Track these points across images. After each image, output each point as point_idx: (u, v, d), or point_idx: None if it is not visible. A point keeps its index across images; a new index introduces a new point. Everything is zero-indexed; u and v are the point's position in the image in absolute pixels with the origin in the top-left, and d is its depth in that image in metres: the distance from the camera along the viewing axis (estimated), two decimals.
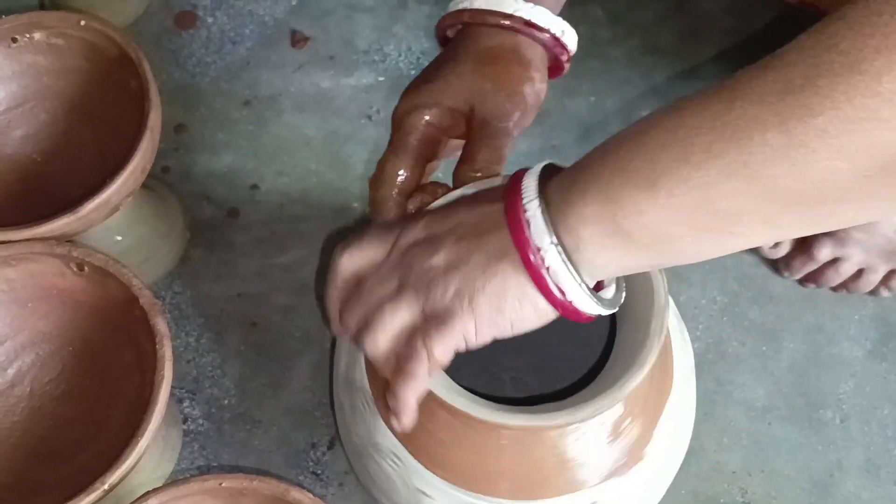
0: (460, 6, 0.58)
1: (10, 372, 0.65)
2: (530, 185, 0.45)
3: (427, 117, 0.56)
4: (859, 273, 0.76)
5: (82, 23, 0.68)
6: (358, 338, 0.49)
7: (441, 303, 0.45)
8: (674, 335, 0.58)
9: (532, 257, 0.43)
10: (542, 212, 0.43)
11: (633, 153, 0.42)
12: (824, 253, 0.75)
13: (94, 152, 0.71)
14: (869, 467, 0.73)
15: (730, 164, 0.38)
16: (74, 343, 0.66)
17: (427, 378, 0.47)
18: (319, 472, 0.72)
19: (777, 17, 0.90)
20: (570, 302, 0.44)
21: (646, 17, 0.91)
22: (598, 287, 0.47)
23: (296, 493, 0.54)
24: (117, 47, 0.68)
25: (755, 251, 0.79)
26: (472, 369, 0.55)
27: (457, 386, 0.50)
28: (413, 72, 0.87)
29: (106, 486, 0.56)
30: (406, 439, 0.55)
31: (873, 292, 0.77)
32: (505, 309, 0.45)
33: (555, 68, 0.60)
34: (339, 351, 0.62)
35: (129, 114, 0.67)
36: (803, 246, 0.76)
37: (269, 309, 0.78)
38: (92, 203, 0.62)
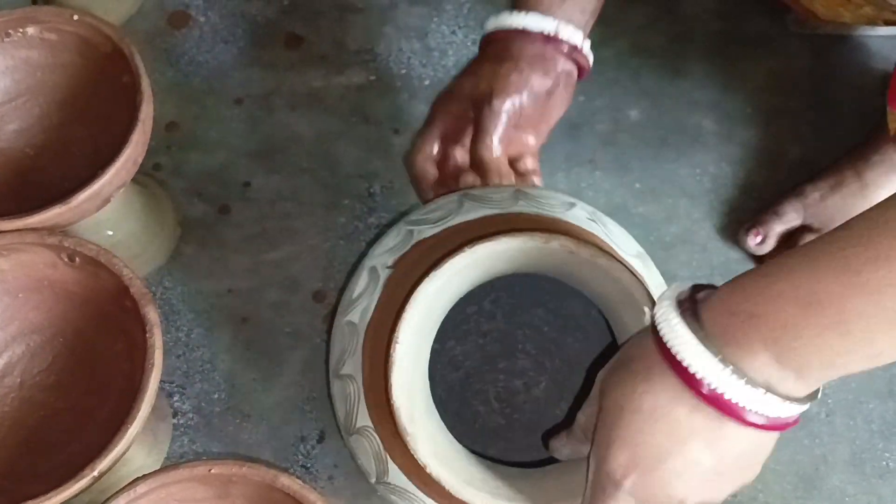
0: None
1: (1, 363, 0.65)
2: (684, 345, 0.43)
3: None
4: None
5: (75, 17, 0.68)
6: None
7: None
8: None
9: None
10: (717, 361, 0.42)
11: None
12: None
13: (87, 147, 0.71)
14: (855, 461, 0.73)
15: None
16: (65, 334, 0.66)
17: None
18: (309, 465, 0.72)
19: (764, 21, 0.91)
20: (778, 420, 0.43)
21: (635, 20, 0.92)
22: None
23: (285, 480, 0.54)
24: (110, 42, 0.68)
25: (741, 247, 0.80)
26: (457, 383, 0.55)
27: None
28: (403, 71, 0.88)
29: (95, 473, 0.56)
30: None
31: None
32: (744, 469, 0.45)
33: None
34: (333, 342, 0.62)
35: (121, 109, 0.67)
36: (787, 242, 0.77)
37: (260, 305, 0.78)
38: (84, 193, 0.62)
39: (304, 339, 0.77)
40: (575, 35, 0.65)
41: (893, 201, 0.40)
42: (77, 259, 0.63)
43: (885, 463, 0.74)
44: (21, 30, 0.70)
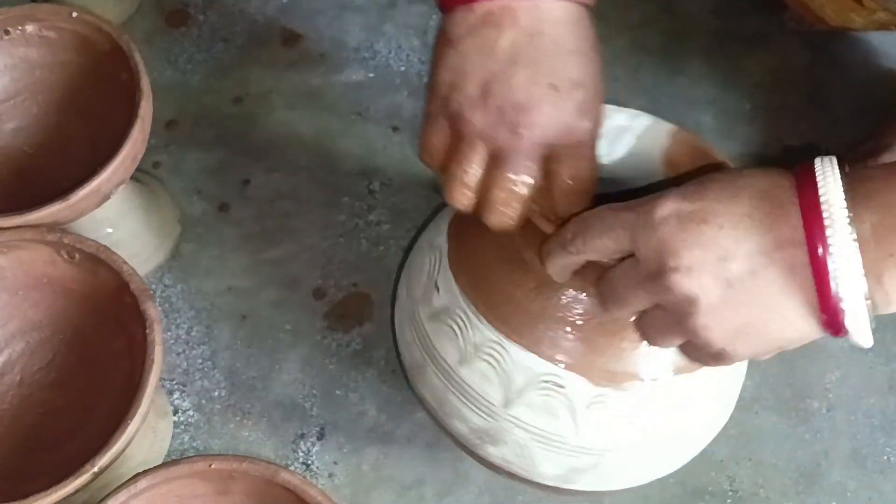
0: None
1: (0, 360, 0.65)
2: (836, 197, 0.40)
3: None
4: None
5: (74, 15, 0.68)
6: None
7: (710, 349, 0.45)
8: None
9: (823, 257, 0.40)
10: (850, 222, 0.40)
11: None
12: None
13: (86, 145, 0.71)
14: (856, 457, 0.73)
15: None
16: (65, 331, 0.66)
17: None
18: (309, 462, 0.72)
19: (762, 18, 0.91)
20: (844, 319, 0.40)
21: (633, 18, 0.92)
22: None
23: (285, 475, 0.54)
24: (109, 40, 0.68)
25: None
26: None
27: None
28: (403, 69, 0.88)
29: (95, 469, 0.56)
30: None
31: None
32: (781, 344, 0.43)
33: None
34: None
35: (120, 106, 0.67)
36: None
37: (259, 303, 0.78)
38: (83, 190, 0.62)
39: (303, 336, 0.77)
40: None
41: None
42: (76, 256, 0.63)
43: (885, 458, 0.73)
44: (20, 28, 0.70)
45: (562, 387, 0.54)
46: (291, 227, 0.81)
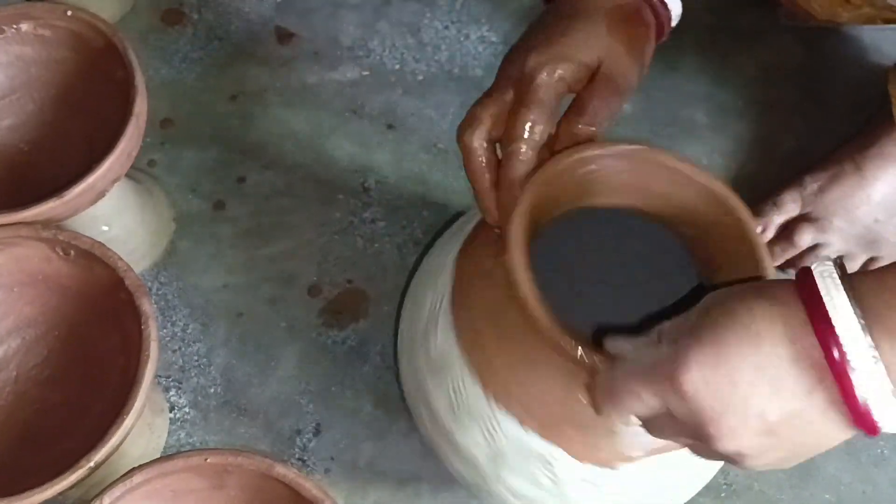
0: None
1: None
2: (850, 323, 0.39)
3: (561, 72, 0.53)
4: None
5: (69, 13, 0.68)
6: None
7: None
8: None
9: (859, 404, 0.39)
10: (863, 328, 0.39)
11: None
12: (805, 239, 0.77)
13: (81, 142, 0.72)
14: (850, 450, 0.73)
15: None
16: (60, 328, 0.66)
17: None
18: (305, 458, 0.72)
19: (755, 14, 0.92)
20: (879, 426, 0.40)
21: None
22: None
23: (280, 469, 0.54)
24: (103, 38, 0.68)
25: None
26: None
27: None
28: (397, 67, 0.89)
29: (92, 464, 0.56)
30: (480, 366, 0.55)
31: None
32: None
33: (657, 33, 0.59)
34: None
35: (115, 104, 0.67)
36: (785, 232, 0.77)
37: (255, 299, 0.78)
38: (78, 187, 0.62)
39: (299, 333, 0.77)
40: (677, 7, 0.59)
41: None
42: (72, 252, 0.63)
43: (879, 451, 0.74)
44: (15, 26, 0.70)
45: (550, 464, 0.54)
46: (287, 225, 0.81)
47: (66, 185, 0.63)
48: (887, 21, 0.67)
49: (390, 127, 0.86)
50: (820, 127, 0.86)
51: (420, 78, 0.88)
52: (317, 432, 0.73)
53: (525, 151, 0.52)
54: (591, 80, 0.54)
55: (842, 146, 0.79)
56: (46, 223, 0.63)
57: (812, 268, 0.41)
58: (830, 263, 0.41)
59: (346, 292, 0.79)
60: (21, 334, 0.66)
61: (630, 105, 0.87)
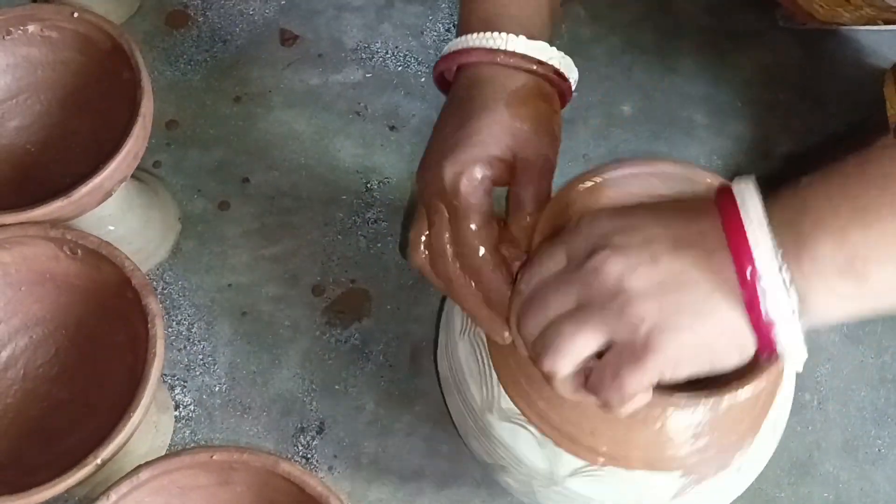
0: (472, 45, 0.56)
1: (4, 355, 0.66)
2: (754, 207, 0.42)
3: (479, 174, 0.52)
4: None
5: (75, 15, 0.69)
6: (533, 353, 0.47)
7: (636, 336, 0.43)
8: None
9: (753, 284, 0.40)
10: (772, 240, 0.41)
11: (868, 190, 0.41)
12: None
13: (88, 143, 0.72)
14: (847, 448, 0.74)
15: None
16: (67, 326, 0.67)
17: (623, 407, 0.45)
18: (309, 456, 0.73)
19: (753, 15, 0.92)
20: (778, 340, 0.41)
21: (626, 16, 0.93)
22: None
23: (285, 465, 0.55)
24: (110, 39, 0.69)
25: None
26: None
27: None
28: (400, 69, 0.89)
29: (98, 461, 0.57)
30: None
31: None
32: (715, 349, 0.43)
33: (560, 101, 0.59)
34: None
35: (121, 105, 0.68)
36: None
37: (260, 299, 0.79)
38: (86, 187, 0.63)
39: (303, 332, 0.78)
40: (574, 76, 0.58)
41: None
42: (79, 252, 0.64)
43: (877, 449, 0.75)
44: (22, 28, 0.71)
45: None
46: (291, 225, 0.82)
47: (72, 184, 0.64)
48: (888, 22, 0.68)
49: (393, 128, 0.87)
50: (818, 128, 0.87)
51: (423, 80, 0.89)
52: (320, 430, 0.74)
53: (488, 256, 0.52)
54: (513, 172, 0.54)
55: (837, 147, 0.80)
56: (54, 223, 0.64)
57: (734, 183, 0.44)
58: (750, 181, 0.44)
59: (350, 292, 0.79)
60: (29, 332, 0.67)
61: (629, 106, 0.88)
